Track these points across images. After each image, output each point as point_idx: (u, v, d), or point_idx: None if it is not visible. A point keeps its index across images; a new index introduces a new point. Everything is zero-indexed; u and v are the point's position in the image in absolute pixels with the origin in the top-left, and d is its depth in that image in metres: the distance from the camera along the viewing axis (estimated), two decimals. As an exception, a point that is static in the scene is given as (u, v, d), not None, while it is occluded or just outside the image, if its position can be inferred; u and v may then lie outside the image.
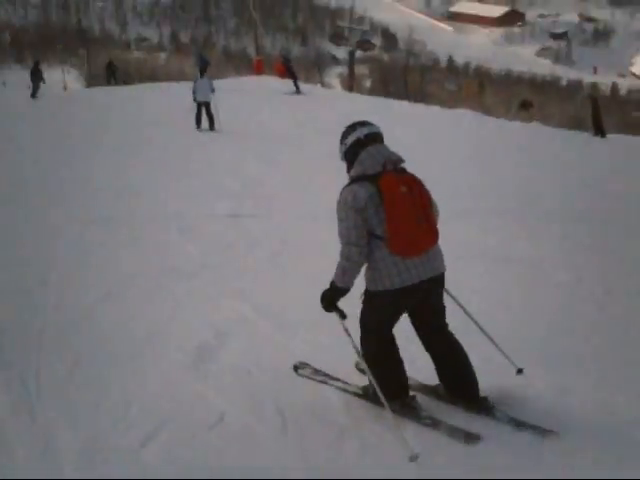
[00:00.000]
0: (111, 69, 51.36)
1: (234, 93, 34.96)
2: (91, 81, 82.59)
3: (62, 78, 71.31)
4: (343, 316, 5.93)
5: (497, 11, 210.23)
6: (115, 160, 19.62)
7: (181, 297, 9.19)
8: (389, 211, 5.44)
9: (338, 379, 6.66)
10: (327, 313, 6.01)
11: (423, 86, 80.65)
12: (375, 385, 5.68)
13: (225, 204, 14.41)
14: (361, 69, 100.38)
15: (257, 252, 11.27)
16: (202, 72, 27.71)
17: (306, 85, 45.51)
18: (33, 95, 39.18)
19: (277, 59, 52.18)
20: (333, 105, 34.85)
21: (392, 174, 5.57)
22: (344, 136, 5.93)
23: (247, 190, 16.11)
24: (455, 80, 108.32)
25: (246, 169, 18.66)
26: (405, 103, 41.93)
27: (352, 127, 5.91)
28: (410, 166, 5.84)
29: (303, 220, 13.43)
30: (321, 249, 9.13)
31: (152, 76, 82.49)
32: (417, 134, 25.87)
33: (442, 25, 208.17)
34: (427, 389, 6.41)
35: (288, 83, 40.29)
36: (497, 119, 36.91)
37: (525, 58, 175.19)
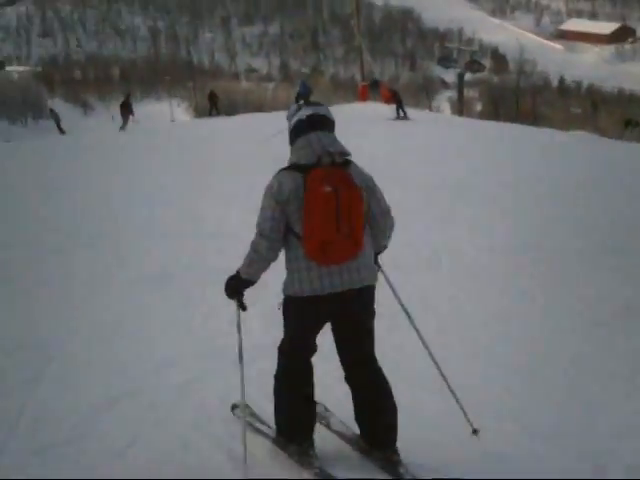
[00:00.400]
0: (212, 100, 50.22)
1: (337, 119, 33.17)
2: (199, 112, 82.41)
3: (170, 110, 72.19)
4: (242, 308, 5.45)
5: (608, 28, 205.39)
6: (199, 199, 17.48)
7: (211, 404, 6.60)
8: (306, 210, 4.85)
9: (266, 424, 5.86)
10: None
11: (535, 108, 77.74)
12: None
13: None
14: (471, 92, 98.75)
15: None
16: (297, 98, 26.32)
17: (414, 110, 44.10)
18: (122, 127, 39.12)
19: (383, 85, 51.29)
20: (441, 131, 33.13)
21: (323, 169, 4.92)
22: (289, 116, 5.33)
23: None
24: (569, 102, 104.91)
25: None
26: (517, 126, 40.32)
27: (299, 107, 5.31)
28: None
29: (390, 268, 11.07)
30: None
31: (259, 106, 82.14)
32: (533, 159, 24.24)
33: (552, 44, 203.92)
34: (347, 437, 5.75)
35: (394, 109, 39.25)
36: (613, 140, 35.12)
37: (637, 75, 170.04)
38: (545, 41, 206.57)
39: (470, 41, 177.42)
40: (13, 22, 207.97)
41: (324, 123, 5.19)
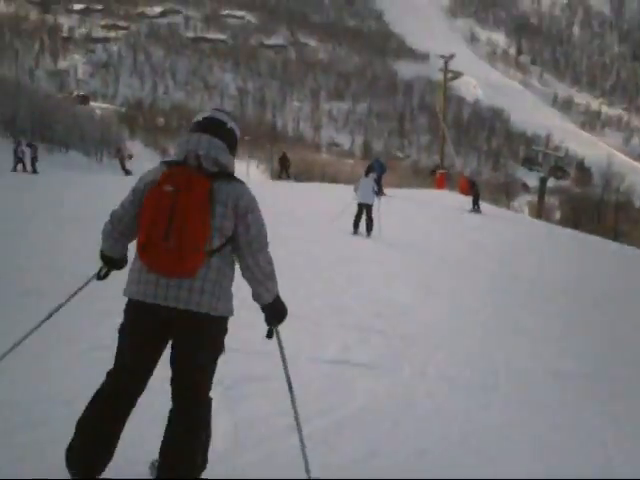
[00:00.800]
0: (284, 163, 49.68)
1: (408, 202, 34.43)
2: (274, 175, 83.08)
3: (246, 169, 73.16)
4: (98, 276, 5.04)
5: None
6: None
7: None
8: (143, 205, 4.44)
9: None
10: None
11: (617, 224, 75.97)
12: None
13: (337, 341, 9.77)
14: (551, 200, 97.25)
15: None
16: (367, 172, 26.86)
17: (491, 206, 43.29)
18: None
19: (462, 176, 51.32)
20: (515, 230, 31.57)
21: (179, 168, 4.47)
22: None
23: (380, 323, 11.43)
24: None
25: (390, 293, 14.13)
26: (597, 238, 39.80)
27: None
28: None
29: (435, 379, 9.03)
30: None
31: (334, 178, 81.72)
32: (613, 275, 23.79)
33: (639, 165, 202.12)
34: None
35: (470, 201, 38.45)
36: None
37: None
38: (632, 161, 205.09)
39: (557, 149, 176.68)
40: (104, 58, 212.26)
41: (216, 128, 4.73)
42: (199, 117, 4.81)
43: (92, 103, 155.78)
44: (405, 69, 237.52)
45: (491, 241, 25.93)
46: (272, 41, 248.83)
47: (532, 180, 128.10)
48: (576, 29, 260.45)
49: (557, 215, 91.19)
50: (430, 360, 9.78)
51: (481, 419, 7.86)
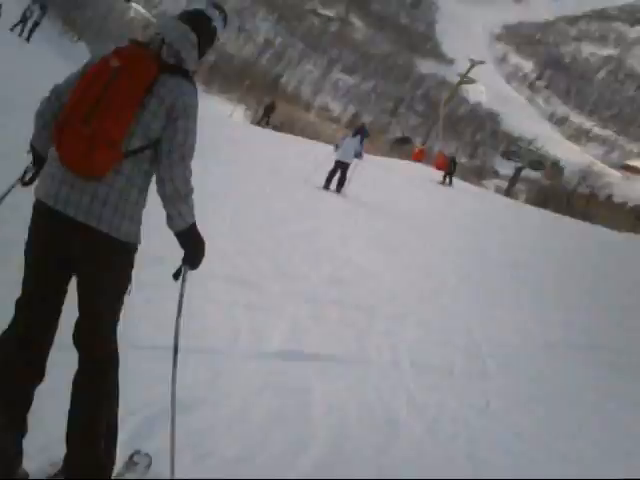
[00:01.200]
0: (269, 110, 47.92)
1: (383, 168, 34.32)
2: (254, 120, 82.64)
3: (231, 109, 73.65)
4: (20, 180, 3.89)
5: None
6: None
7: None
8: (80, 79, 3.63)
9: None
10: None
11: (587, 209, 75.47)
12: None
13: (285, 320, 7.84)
14: (518, 186, 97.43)
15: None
16: (356, 133, 26.60)
17: (461, 182, 44.78)
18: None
19: (441, 153, 52.36)
20: (481, 201, 34.10)
21: (137, 47, 3.68)
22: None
23: (336, 292, 9.73)
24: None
25: (350, 254, 12.63)
26: (566, 218, 41.80)
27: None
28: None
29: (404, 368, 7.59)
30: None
31: (314, 136, 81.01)
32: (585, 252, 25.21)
33: (613, 171, 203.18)
34: None
35: (441, 174, 39.53)
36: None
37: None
38: (607, 167, 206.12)
39: (538, 149, 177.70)
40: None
41: (200, 22, 3.92)
42: (191, 6, 4.04)
43: (133, 3, 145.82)
44: (425, 66, 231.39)
45: (453, 208, 26.64)
46: (324, 11, 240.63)
47: (505, 169, 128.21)
48: (602, 73, 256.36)
49: (522, 199, 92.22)
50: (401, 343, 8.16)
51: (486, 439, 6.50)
